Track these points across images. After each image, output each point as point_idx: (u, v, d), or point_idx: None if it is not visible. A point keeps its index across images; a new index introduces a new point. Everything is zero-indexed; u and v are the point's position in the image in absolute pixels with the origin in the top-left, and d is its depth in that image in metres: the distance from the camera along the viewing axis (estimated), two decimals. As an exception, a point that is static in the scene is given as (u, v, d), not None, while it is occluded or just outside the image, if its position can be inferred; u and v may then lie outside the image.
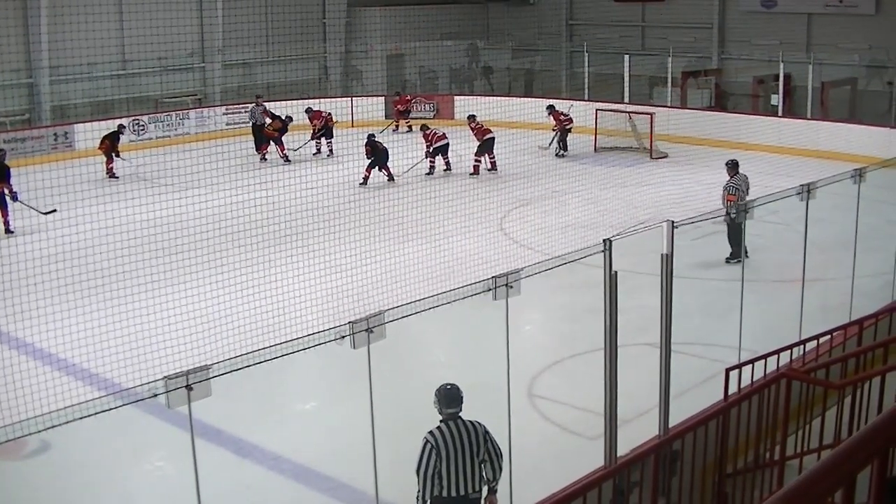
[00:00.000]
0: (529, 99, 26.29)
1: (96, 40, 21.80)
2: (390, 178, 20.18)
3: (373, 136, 20.65)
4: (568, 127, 22.98)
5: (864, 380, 6.41)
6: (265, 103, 23.97)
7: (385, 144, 20.31)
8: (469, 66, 32.59)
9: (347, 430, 8.49)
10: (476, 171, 20.98)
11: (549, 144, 23.18)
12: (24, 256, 12.49)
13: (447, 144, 20.90)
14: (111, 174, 21.13)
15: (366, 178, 20.00)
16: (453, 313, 6.42)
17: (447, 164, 21.15)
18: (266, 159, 22.72)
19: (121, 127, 22.07)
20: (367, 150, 20.08)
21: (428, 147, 20.98)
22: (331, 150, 23.05)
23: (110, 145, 21.18)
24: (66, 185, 14.10)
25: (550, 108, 23.53)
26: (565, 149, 23.00)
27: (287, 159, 22.47)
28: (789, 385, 6.44)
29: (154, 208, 15.33)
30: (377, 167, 20.07)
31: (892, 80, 24.44)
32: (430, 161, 21.05)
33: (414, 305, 5.97)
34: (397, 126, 26.47)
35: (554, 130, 23.10)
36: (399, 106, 26.77)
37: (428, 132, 21.14)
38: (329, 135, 23.19)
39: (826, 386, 6.66)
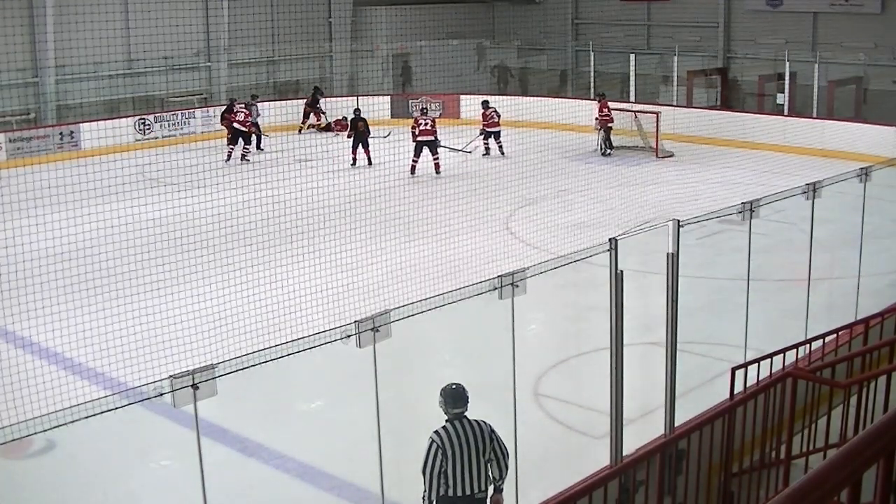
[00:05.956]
0: (534, 98, 26.24)
1: (102, 39, 21.77)
2: (369, 161, 21.37)
3: (358, 110, 21.80)
4: (609, 125, 22.98)
5: (869, 379, 6.40)
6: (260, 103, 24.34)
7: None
8: (479, 66, 32.46)
9: (353, 430, 8.48)
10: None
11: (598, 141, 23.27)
12: (30, 255, 12.51)
13: (497, 132, 22.63)
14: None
15: (354, 160, 21.31)
16: (459, 312, 6.41)
17: (499, 147, 22.61)
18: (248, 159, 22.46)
19: (233, 102, 23.20)
20: (359, 126, 21.18)
21: (483, 130, 22.63)
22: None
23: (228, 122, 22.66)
24: (72, 184, 14.12)
25: (601, 96, 23.70)
26: (611, 147, 23.01)
27: (245, 158, 22.27)
28: (795, 384, 6.43)
29: (159, 207, 15.34)
30: (360, 146, 21.15)
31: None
32: (485, 142, 22.68)
33: (419, 304, 5.97)
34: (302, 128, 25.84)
35: (596, 129, 23.14)
36: (307, 107, 26.22)
37: (486, 111, 22.59)
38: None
39: (832, 385, 6.65)
